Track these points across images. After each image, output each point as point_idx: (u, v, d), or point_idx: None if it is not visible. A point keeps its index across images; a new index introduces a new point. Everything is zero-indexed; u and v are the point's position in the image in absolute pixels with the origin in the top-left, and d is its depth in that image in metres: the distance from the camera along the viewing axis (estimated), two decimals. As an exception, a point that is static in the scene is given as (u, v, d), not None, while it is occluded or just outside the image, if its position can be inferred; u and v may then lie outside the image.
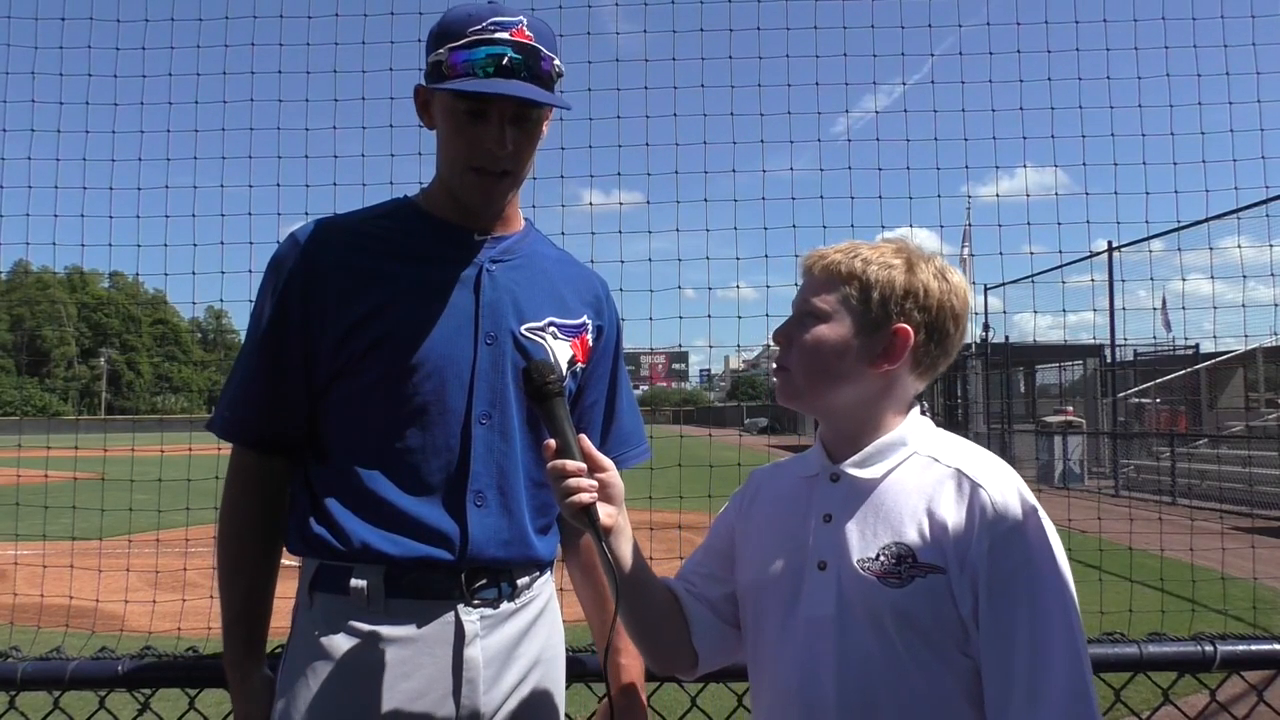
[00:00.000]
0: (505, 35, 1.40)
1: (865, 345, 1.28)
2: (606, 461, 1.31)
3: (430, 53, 1.46)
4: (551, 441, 1.30)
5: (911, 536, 1.21)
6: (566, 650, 1.66)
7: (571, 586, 1.69)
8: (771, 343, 1.38)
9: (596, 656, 1.72)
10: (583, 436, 1.32)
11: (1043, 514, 1.22)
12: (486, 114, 1.41)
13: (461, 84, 1.38)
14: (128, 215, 3.65)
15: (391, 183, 3.41)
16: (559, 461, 1.27)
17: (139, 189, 3.63)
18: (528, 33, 1.42)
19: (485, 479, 1.47)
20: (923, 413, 1.36)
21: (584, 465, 1.28)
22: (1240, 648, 1.87)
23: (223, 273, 3.62)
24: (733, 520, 1.45)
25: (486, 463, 1.47)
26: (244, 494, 1.51)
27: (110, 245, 3.81)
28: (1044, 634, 1.15)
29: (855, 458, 1.30)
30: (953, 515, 1.21)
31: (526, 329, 1.51)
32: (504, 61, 1.39)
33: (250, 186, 3.57)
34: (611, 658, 1.59)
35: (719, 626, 1.41)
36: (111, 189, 3.61)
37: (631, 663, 1.61)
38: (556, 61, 1.46)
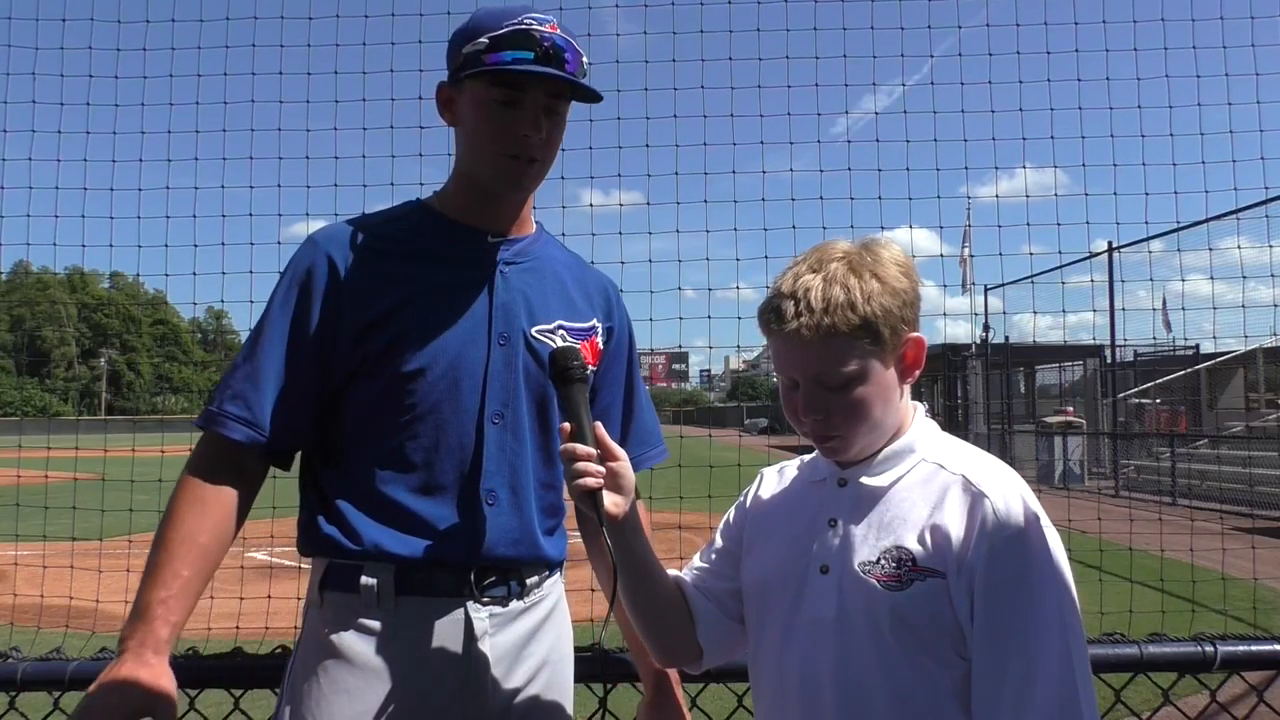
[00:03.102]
0: (543, 29, 1.44)
1: (893, 374, 1.28)
2: (619, 451, 1.32)
3: (459, 48, 1.47)
4: (566, 425, 1.31)
5: (912, 541, 1.22)
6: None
7: (579, 587, 1.69)
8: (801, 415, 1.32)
9: (595, 656, 1.72)
10: (598, 424, 1.33)
11: (1045, 522, 1.21)
12: (520, 102, 1.45)
13: (507, 65, 1.42)
14: (128, 216, 3.65)
15: (392, 184, 3.41)
16: (570, 445, 1.29)
17: (140, 190, 3.64)
18: (559, 30, 1.46)
19: (497, 478, 1.48)
20: (927, 414, 1.36)
21: (595, 451, 1.29)
22: (1240, 648, 1.87)
23: (223, 273, 3.62)
24: (741, 520, 1.46)
25: (499, 462, 1.48)
26: (219, 475, 1.42)
27: (111, 246, 3.81)
28: (1037, 642, 1.14)
29: (864, 465, 1.30)
30: (954, 521, 1.21)
31: (537, 331, 1.53)
32: (543, 50, 1.43)
33: (251, 187, 3.58)
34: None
35: (724, 622, 1.42)
36: (112, 190, 3.61)
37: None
38: (584, 58, 1.50)
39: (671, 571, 1.44)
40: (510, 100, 1.45)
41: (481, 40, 1.44)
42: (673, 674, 1.63)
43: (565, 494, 1.47)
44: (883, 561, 1.22)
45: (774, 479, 1.47)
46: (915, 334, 1.28)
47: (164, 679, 1.29)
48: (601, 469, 1.29)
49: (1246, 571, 5.85)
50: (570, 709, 1.59)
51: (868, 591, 1.22)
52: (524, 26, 1.43)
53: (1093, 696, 1.17)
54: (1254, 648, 1.88)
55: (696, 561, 1.48)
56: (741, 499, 1.49)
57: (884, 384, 1.26)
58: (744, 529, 1.44)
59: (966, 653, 1.19)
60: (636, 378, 1.70)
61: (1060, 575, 1.18)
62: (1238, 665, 1.87)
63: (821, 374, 1.24)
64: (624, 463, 1.32)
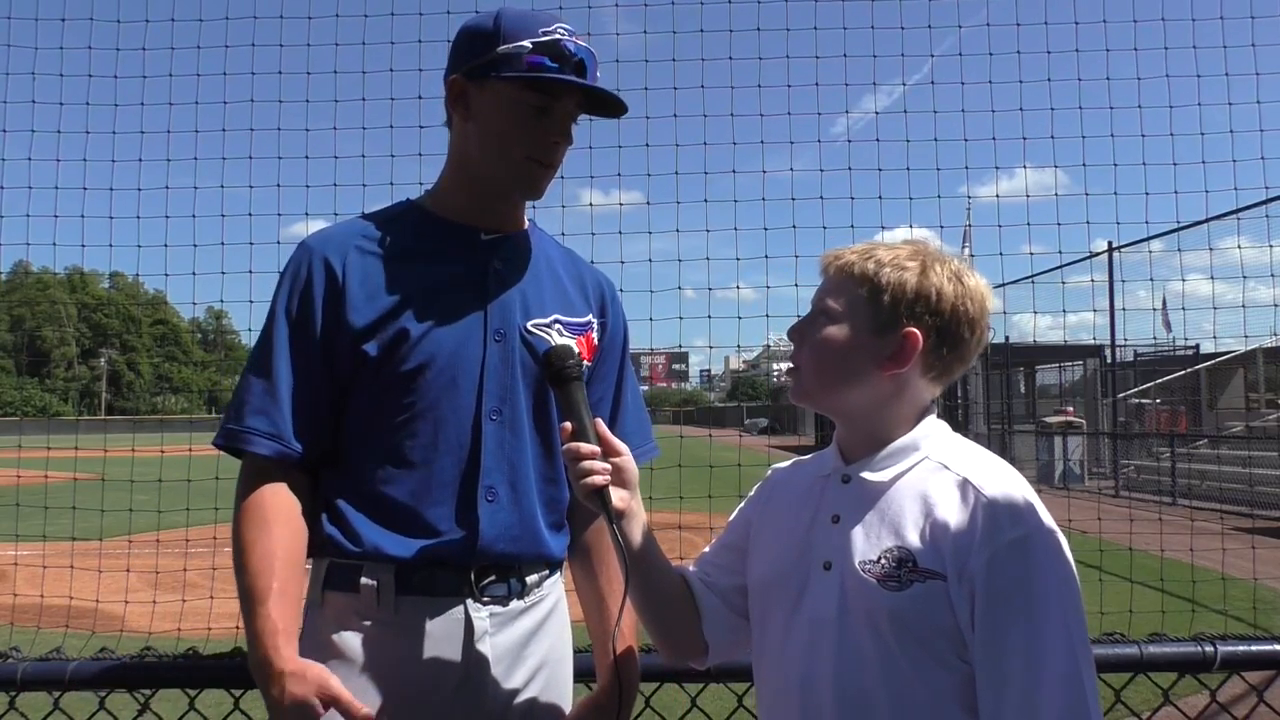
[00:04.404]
0: (576, 41, 1.47)
1: (874, 347, 1.28)
2: (621, 446, 1.34)
3: (489, 45, 1.47)
4: (568, 424, 1.32)
5: (913, 541, 1.21)
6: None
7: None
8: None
9: (591, 657, 1.71)
10: (598, 421, 1.34)
11: (1051, 528, 1.19)
12: (551, 110, 1.48)
13: (560, 74, 1.45)
14: (128, 216, 3.65)
15: (392, 183, 3.41)
16: (574, 444, 1.30)
17: (139, 189, 3.63)
18: (583, 43, 1.49)
19: (496, 474, 1.48)
20: (955, 418, 1.35)
21: (598, 448, 1.30)
22: (1240, 648, 1.86)
23: (223, 273, 3.62)
24: (750, 515, 1.46)
25: (498, 458, 1.48)
26: (267, 492, 1.42)
27: (110, 246, 3.81)
28: (1041, 651, 1.13)
29: (866, 460, 1.30)
30: (956, 523, 1.19)
31: (532, 325, 1.53)
32: (573, 64, 1.47)
33: (250, 187, 3.57)
34: (606, 643, 1.58)
35: (730, 618, 1.42)
36: (112, 189, 3.61)
37: (631, 652, 1.60)
38: (598, 71, 1.53)
39: (678, 566, 1.44)
40: (545, 106, 1.47)
41: (525, 44, 1.45)
42: (631, 682, 1.59)
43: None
44: (883, 561, 1.21)
45: (783, 475, 1.47)
46: (914, 329, 1.27)
47: (323, 673, 1.33)
48: (606, 465, 1.30)
49: (1246, 571, 5.85)
50: (570, 710, 1.59)
51: (867, 590, 1.21)
52: (559, 37, 1.46)
53: (1099, 704, 1.15)
54: (1254, 648, 1.88)
55: (705, 557, 1.49)
56: (751, 494, 1.50)
57: (853, 343, 1.28)
58: (751, 525, 1.44)
59: (967, 656, 1.18)
60: (628, 374, 1.70)
61: (1065, 582, 1.16)
62: (1238, 665, 1.87)
63: (820, 299, 1.34)
64: (626, 457, 1.34)
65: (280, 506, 1.43)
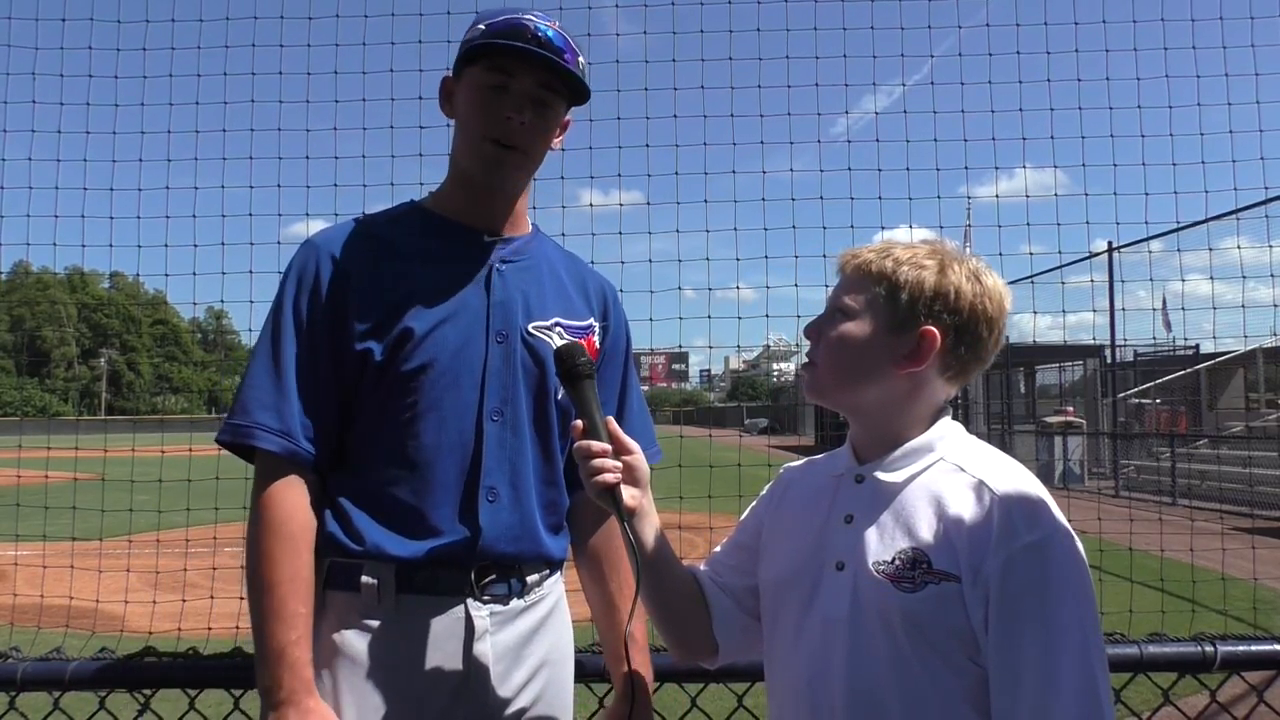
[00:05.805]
0: (539, 22, 1.48)
1: (891, 345, 1.27)
2: (633, 445, 1.34)
3: (465, 41, 1.51)
4: (579, 422, 1.33)
5: (928, 542, 1.21)
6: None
7: (579, 588, 1.69)
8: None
9: (599, 658, 1.72)
10: (610, 419, 1.34)
11: (1067, 531, 1.19)
12: (509, 88, 1.48)
13: (496, 39, 1.45)
14: (128, 216, 3.64)
15: (392, 184, 3.41)
16: (585, 442, 1.30)
17: (139, 190, 3.63)
18: (558, 28, 1.50)
19: (498, 474, 1.48)
20: (954, 417, 1.35)
21: (610, 446, 1.31)
22: (1240, 648, 1.87)
23: (223, 273, 3.61)
24: (761, 515, 1.46)
25: (499, 458, 1.49)
26: (288, 499, 1.41)
27: (111, 246, 3.80)
28: (1054, 655, 1.12)
29: (880, 461, 1.30)
30: (971, 525, 1.19)
31: (534, 327, 1.54)
32: (536, 37, 1.46)
33: (251, 187, 3.57)
34: (618, 649, 1.59)
35: (741, 618, 1.42)
36: (112, 190, 3.61)
37: (643, 656, 1.61)
38: (581, 60, 1.53)
39: (690, 565, 1.45)
40: (501, 85, 1.48)
41: (479, 27, 1.49)
42: (645, 684, 1.60)
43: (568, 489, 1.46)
44: (897, 561, 1.21)
45: (795, 475, 1.47)
46: (932, 328, 1.26)
47: (331, 717, 1.36)
48: (618, 464, 1.30)
49: (1246, 571, 5.85)
50: (570, 709, 1.59)
51: (881, 591, 1.21)
52: (518, 18, 1.47)
53: (1113, 708, 1.15)
54: (1254, 648, 1.88)
55: (716, 557, 1.49)
56: (763, 494, 1.49)
57: (870, 341, 1.28)
58: (763, 525, 1.44)
59: (979, 658, 1.18)
60: (631, 379, 1.71)
61: (1080, 585, 1.16)
62: (1238, 665, 1.87)
63: (837, 297, 1.33)
64: (638, 455, 1.34)
65: (306, 524, 1.42)
